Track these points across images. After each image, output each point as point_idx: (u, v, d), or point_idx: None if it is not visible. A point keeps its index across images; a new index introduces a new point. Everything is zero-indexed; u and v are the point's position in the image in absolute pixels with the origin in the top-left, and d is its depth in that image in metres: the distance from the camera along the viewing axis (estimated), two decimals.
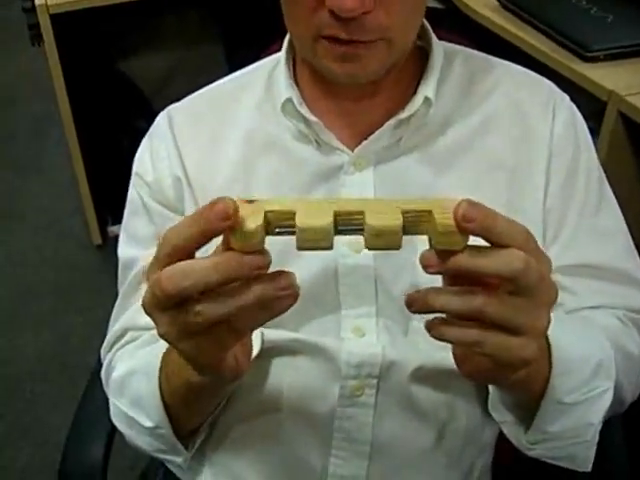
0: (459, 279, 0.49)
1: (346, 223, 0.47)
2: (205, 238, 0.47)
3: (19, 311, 2.12)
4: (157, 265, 0.48)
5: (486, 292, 0.47)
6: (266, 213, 0.46)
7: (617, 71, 1.29)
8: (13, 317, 2.10)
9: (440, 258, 0.47)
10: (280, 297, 0.48)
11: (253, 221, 0.46)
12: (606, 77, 1.26)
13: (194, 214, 0.47)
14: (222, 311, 0.48)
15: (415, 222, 0.47)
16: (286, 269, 0.69)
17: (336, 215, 0.46)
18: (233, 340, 0.52)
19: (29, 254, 2.33)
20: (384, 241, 0.46)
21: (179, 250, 0.47)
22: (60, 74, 1.92)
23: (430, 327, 0.50)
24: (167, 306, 0.48)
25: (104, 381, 0.81)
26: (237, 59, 0.87)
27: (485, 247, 0.47)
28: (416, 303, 0.49)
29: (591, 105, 1.18)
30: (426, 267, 0.47)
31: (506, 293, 0.47)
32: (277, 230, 0.47)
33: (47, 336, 2.04)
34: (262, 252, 0.47)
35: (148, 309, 0.50)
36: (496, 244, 0.46)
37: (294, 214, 0.46)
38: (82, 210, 2.24)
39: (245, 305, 0.48)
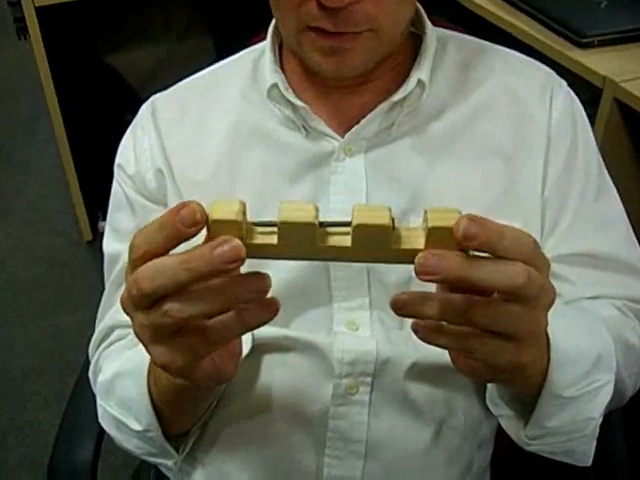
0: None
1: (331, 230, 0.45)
2: (173, 243, 0.45)
3: (9, 308, 2.11)
4: (131, 268, 0.47)
5: (481, 298, 0.45)
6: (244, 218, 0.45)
7: (612, 57, 1.28)
8: (3, 314, 2.09)
9: (435, 258, 0.43)
10: (256, 303, 0.47)
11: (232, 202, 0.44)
12: (601, 63, 1.25)
13: (161, 218, 0.45)
14: (189, 312, 0.46)
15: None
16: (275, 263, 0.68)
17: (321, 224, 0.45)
18: (206, 350, 0.50)
19: (19, 251, 2.31)
20: (372, 243, 0.44)
21: (149, 255, 0.46)
22: (47, 68, 1.90)
23: (417, 330, 0.48)
24: (142, 305, 0.47)
25: (92, 380, 0.80)
26: (226, 50, 0.86)
27: (484, 258, 0.44)
28: (406, 308, 0.47)
29: (587, 92, 1.17)
30: (421, 274, 0.44)
31: (503, 300, 0.45)
32: (259, 230, 0.46)
33: (38, 333, 2.03)
34: (237, 241, 0.44)
35: (125, 308, 0.49)
36: (501, 257, 0.44)
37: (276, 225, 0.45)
38: (72, 206, 2.23)
39: (214, 308, 0.46)
